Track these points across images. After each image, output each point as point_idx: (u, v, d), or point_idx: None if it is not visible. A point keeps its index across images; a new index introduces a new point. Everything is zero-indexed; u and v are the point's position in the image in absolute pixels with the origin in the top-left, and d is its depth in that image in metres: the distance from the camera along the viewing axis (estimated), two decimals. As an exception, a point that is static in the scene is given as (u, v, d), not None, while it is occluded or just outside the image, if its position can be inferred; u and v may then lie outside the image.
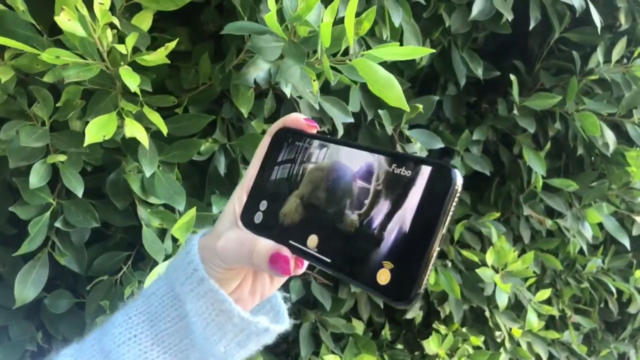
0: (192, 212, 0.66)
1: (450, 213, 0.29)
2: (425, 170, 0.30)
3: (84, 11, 0.50)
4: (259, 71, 0.63)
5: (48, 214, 0.66)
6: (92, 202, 0.70)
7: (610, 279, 1.32)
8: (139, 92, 0.60)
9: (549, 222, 1.08)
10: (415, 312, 1.18)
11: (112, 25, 0.55)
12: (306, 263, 0.38)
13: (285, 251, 0.36)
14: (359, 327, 1.07)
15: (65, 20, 0.49)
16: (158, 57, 0.56)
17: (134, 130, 0.56)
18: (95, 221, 0.68)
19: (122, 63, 0.57)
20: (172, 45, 0.54)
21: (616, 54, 0.99)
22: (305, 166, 0.37)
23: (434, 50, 0.50)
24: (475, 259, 0.99)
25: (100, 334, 0.45)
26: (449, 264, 1.01)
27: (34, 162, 0.58)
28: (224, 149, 0.78)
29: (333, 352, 0.99)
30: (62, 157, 0.59)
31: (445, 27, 0.91)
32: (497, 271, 0.99)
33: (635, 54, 0.99)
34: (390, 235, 0.30)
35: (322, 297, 0.95)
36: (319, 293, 0.96)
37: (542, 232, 1.15)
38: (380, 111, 0.86)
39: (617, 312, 1.45)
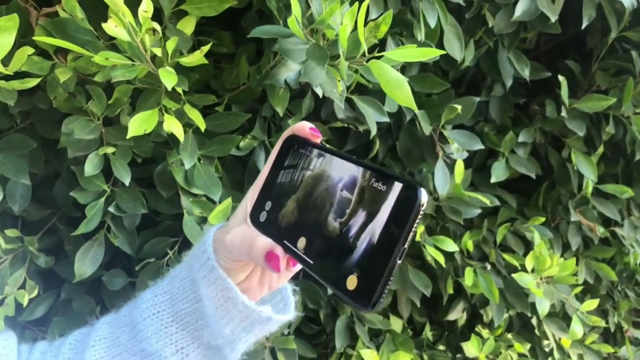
0: (228, 201, 0.71)
1: (413, 229, 0.31)
2: (397, 187, 0.32)
3: (129, 18, 0.56)
4: (289, 72, 0.67)
5: (103, 199, 0.73)
6: (142, 191, 0.77)
7: (676, 294, 1.23)
8: (180, 91, 0.66)
9: (600, 230, 1.03)
10: (457, 314, 1.17)
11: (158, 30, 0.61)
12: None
13: (279, 250, 0.39)
14: (396, 324, 1.09)
15: (112, 26, 0.55)
16: (195, 58, 0.61)
17: (172, 125, 0.62)
18: (144, 208, 0.75)
19: (165, 64, 0.63)
20: (206, 48, 0.59)
21: (679, 53, 0.93)
22: (305, 173, 0.40)
23: (444, 52, 0.51)
24: (516, 263, 0.97)
25: (132, 307, 0.50)
26: (489, 267, 0.99)
27: (89, 153, 0.66)
28: (264, 145, 0.83)
29: (368, 347, 1.01)
30: (112, 149, 0.66)
31: (489, 28, 0.90)
32: (540, 277, 0.97)
33: (701, 54, 0.93)
34: (362, 245, 0.32)
35: (358, 292, 0.98)
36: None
37: (595, 241, 1.10)
38: (417, 111, 0.87)
39: (686, 330, 1.35)
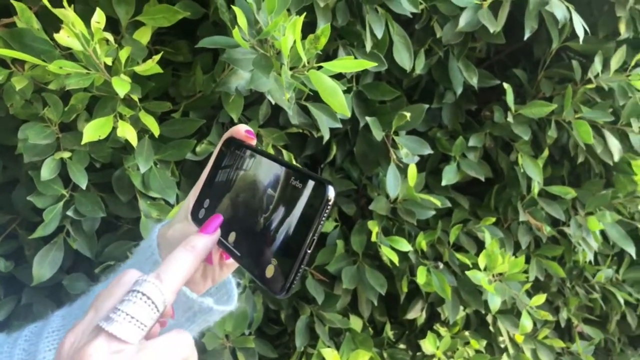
0: (182, 203, 0.74)
1: (322, 222, 0.34)
2: (310, 184, 0.35)
3: (81, 28, 0.59)
4: (239, 80, 0.71)
5: (61, 204, 0.75)
6: (101, 195, 0.79)
7: (624, 292, 1.30)
8: (135, 98, 0.69)
9: (547, 229, 1.09)
10: (416, 313, 1.21)
11: (114, 40, 0.64)
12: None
13: None
14: (356, 323, 1.12)
15: (64, 37, 0.58)
16: (148, 67, 0.64)
17: (126, 131, 0.64)
18: (102, 212, 0.78)
19: (120, 73, 0.66)
20: (157, 57, 0.62)
21: (615, 62, 0.99)
22: (238, 173, 0.43)
23: (375, 64, 0.55)
24: (468, 262, 1.02)
25: (84, 300, 0.53)
26: (441, 266, 1.04)
27: (45, 158, 0.68)
28: (221, 150, 0.85)
29: (328, 346, 1.04)
30: (68, 154, 0.68)
31: (438, 38, 0.95)
32: (492, 275, 1.01)
33: (632, 63, 0.99)
34: (280, 237, 0.36)
35: (316, 292, 1.01)
36: (313, 288, 1.02)
37: (544, 240, 1.16)
38: (368, 118, 0.91)
39: (635, 325, 1.42)
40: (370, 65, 0.55)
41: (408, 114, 0.90)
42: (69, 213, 0.77)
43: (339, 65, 0.56)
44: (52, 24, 0.66)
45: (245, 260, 0.38)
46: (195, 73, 0.79)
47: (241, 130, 0.46)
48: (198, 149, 0.81)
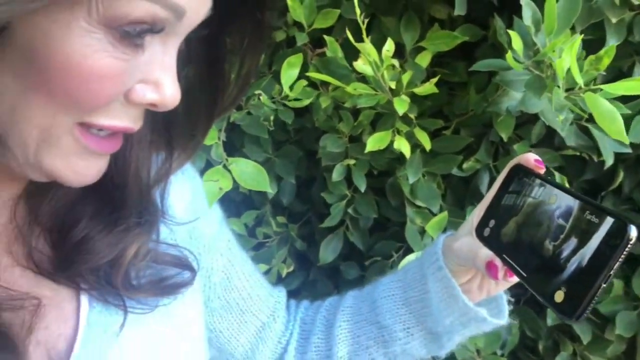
0: (444, 214, 0.79)
1: (620, 260, 0.35)
2: (609, 221, 0.36)
3: (375, 57, 0.70)
4: (511, 101, 0.71)
5: (344, 202, 0.90)
6: (375, 198, 0.91)
7: None
8: (412, 117, 0.77)
9: None
10: None
11: (399, 64, 0.74)
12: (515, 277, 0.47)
13: (498, 262, 0.47)
14: (630, 377, 0.97)
15: (361, 64, 0.70)
16: (426, 89, 0.71)
17: (401, 144, 0.73)
18: (375, 213, 0.89)
19: (401, 94, 0.75)
20: (434, 80, 0.69)
21: None
22: (526, 199, 0.46)
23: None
24: None
25: (373, 287, 0.65)
26: None
27: (336, 163, 0.83)
28: (488, 168, 0.87)
29: (591, 392, 0.94)
30: (353, 161, 0.81)
31: None
32: None
33: None
34: (571, 266, 0.38)
35: (582, 330, 0.92)
36: (580, 325, 0.93)
37: None
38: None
39: None
40: (659, 88, 0.49)
41: None
42: (349, 211, 0.91)
43: (621, 87, 0.52)
44: (349, 53, 0.80)
45: (532, 282, 0.41)
46: (469, 93, 0.83)
47: (531, 159, 0.48)
48: (465, 165, 0.84)
